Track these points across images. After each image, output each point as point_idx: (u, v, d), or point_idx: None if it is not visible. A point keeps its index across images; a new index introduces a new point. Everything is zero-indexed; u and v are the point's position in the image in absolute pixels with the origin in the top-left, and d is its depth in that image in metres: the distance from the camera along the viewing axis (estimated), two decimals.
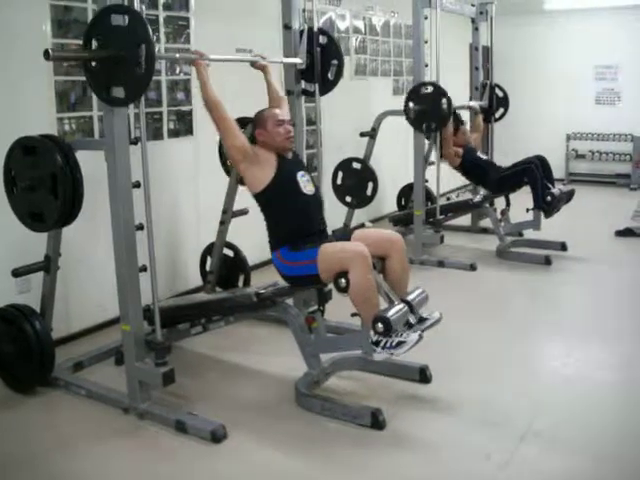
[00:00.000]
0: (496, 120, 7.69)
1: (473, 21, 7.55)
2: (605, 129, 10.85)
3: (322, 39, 4.63)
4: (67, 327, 4.57)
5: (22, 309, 3.84)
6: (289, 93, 4.63)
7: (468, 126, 7.51)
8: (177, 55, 4.11)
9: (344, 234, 3.91)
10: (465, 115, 7.51)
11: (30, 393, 3.88)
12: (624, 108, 10.77)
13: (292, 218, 3.77)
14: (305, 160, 4.76)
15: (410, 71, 8.01)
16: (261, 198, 3.80)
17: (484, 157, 7.12)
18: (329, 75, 4.68)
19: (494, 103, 7.57)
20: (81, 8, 4.52)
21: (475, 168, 6.91)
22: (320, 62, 4.58)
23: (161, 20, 5.13)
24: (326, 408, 3.55)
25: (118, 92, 3.19)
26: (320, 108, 4.74)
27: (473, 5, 7.42)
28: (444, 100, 6.08)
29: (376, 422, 3.39)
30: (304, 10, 5.43)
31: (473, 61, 7.78)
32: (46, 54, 3.04)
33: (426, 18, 6.30)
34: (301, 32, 4.57)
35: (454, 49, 8.82)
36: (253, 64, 4.24)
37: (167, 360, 3.47)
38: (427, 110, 6.18)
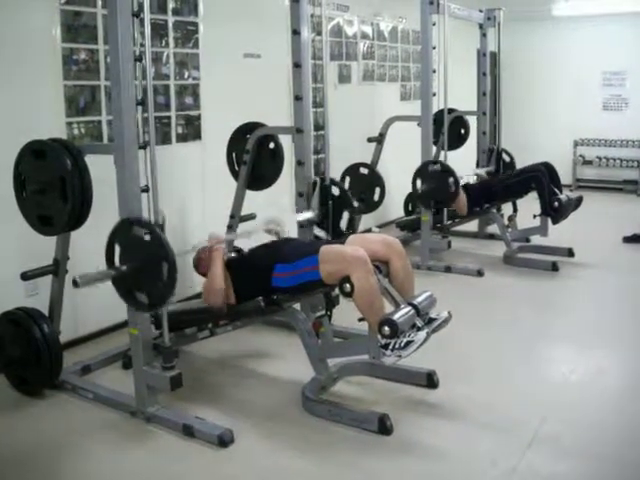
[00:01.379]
0: None
1: (481, 27, 7.55)
2: (612, 135, 10.84)
3: (334, 190, 4.66)
4: (75, 330, 4.59)
5: (30, 312, 3.85)
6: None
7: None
8: (192, 248, 4.15)
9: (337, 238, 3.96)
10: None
11: (38, 396, 3.89)
12: (631, 114, 10.76)
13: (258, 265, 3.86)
14: (312, 165, 4.76)
15: (418, 77, 8.02)
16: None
17: (473, 182, 7.12)
18: (341, 225, 4.69)
19: (501, 168, 7.56)
20: (91, 13, 4.54)
21: (480, 197, 6.91)
22: (332, 214, 4.61)
23: (170, 25, 5.14)
24: (333, 413, 3.55)
25: (142, 297, 3.32)
26: (328, 113, 4.74)
27: (481, 11, 7.43)
28: (451, 179, 6.11)
29: (383, 427, 3.38)
30: (312, 16, 5.45)
31: (481, 67, 7.78)
32: (75, 284, 3.26)
33: (434, 24, 6.31)
34: (314, 184, 4.61)
35: (462, 55, 8.83)
36: (270, 232, 4.25)
37: (175, 364, 3.47)
38: (435, 189, 6.22)
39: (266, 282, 3.73)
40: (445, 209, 6.43)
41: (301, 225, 4.62)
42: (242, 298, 3.85)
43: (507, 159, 7.64)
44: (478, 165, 7.75)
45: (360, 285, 3.39)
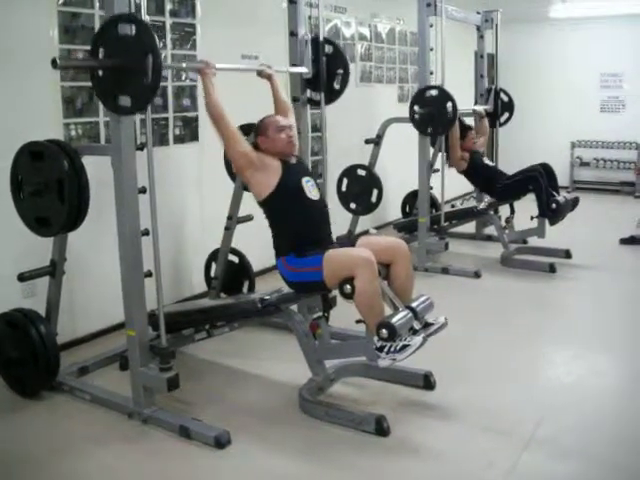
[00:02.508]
0: (501, 125, 7.68)
1: (478, 29, 7.58)
2: (610, 137, 10.87)
3: (328, 48, 4.65)
4: (72, 332, 4.58)
5: (27, 313, 3.85)
6: (295, 101, 4.64)
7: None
8: (184, 65, 4.11)
9: (348, 240, 3.92)
10: (470, 119, 7.51)
11: (35, 397, 3.89)
12: (629, 116, 10.79)
13: (297, 224, 3.77)
14: (310, 167, 4.77)
15: (415, 78, 8.02)
16: (266, 204, 3.80)
17: (491, 164, 7.14)
18: (335, 84, 4.70)
19: (499, 107, 7.56)
20: (88, 14, 4.54)
21: (481, 174, 6.94)
22: (326, 71, 4.59)
23: (168, 27, 5.15)
24: (330, 414, 3.55)
25: (125, 101, 3.20)
26: (325, 116, 4.75)
27: (478, 13, 7.45)
28: (449, 104, 6.10)
29: (380, 428, 3.39)
30: (310, 17, 5.46)
31: (478, 69, 7.80)
32: (54, 63, 3.06)
33: (431, 26, 6.32)
34: (307, 41, 4.59)
35: (459, 57, 8.84)
36: (259, 73, 4.24)
37: (172, 365, 3.47)
38: (432, 113, 6.20)
39: (277, 250, 3.79)
40: (442, 211, 6.44)
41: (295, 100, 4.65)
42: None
43: (505, 99, 7.65)
44: (476, 103, 7.74)
45: (363, 287, 3.40)
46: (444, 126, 6.27)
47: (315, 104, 4.76)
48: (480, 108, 7.41)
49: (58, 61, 3.08)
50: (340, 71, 4.69)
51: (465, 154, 6.88)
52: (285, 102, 4.28)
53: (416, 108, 6.28)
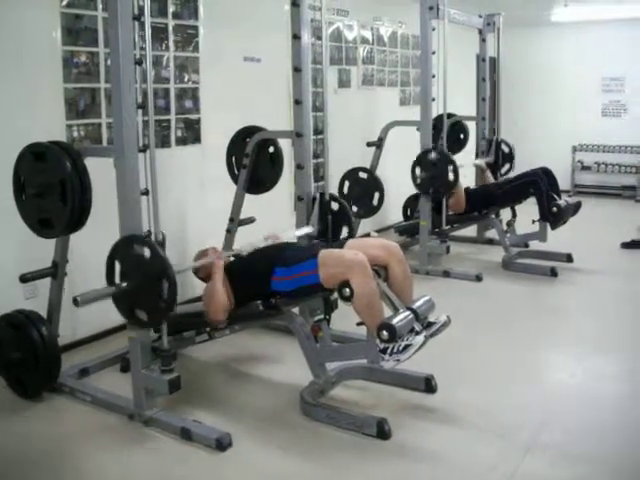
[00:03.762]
0: (502, 176, 7.65)
1: (480, 32, 7.57)
2: (611, 141, 10.87)
3: (334, 205, 4.69)
4: (73, 333, 4.58)
5: (29, 315, 3.85)
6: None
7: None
8: (196, 264, 4.11)
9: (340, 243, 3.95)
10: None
11: (36, 399, 3.89)
12: (630, 120, 10.79)
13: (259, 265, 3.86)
14: (312, 169, 4.77)
15: (417, 82, 8.03)
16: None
17: (475, 187, 7.15)
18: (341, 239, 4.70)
19: (500, 159, 7.58)
20: (91, 16, 4.54)
21: (478, 201, 6.95)
22: (332, 229, 4.64)
23: (170, 28, 5.15)
24: (331, 417, 3.54)
25: (141, 315, 3.34)
26: (327, 118, 4.75)
27: (480, 16, 7.44)
28: (451, 167, 6.14)
29: (382, 432, 3.38)
30: (312, 20, 5.46)
31: (480, 72, 7.80)
32: (75, 302, 3.25)
33: (433, 29, 6.32)
34: (314, 199, 4.64)
35: (461, 60, 8.84)
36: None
37: (173, 367, 3.47)
38: (434, 176, 6.24)
39: (265, 286, 3.73)
40: (444, 214, 6.44)
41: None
42: (241, 302, 3.85)
43: (506, 150, 7.65)
44: (477, 156, 7.75)
45: (360, 289, 3.40)
46: (446, 189, 6.30)
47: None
48: (481, 162, 7.43)
49: (79, 300, 3.24)
50: (346, 229, 4.71)
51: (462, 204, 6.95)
52: None
53: (417, 171, 6.34)
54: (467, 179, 7.21)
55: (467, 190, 6.96)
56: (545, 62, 11.08)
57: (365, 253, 3.54)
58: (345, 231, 4.69)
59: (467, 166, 7.21)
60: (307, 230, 4.58)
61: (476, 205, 6.97)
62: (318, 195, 4.66)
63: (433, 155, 6.23)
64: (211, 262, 3.90)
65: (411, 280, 3.78)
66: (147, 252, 3.25)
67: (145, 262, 3.27)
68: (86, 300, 3.27)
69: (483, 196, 6.95)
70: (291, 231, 4.57)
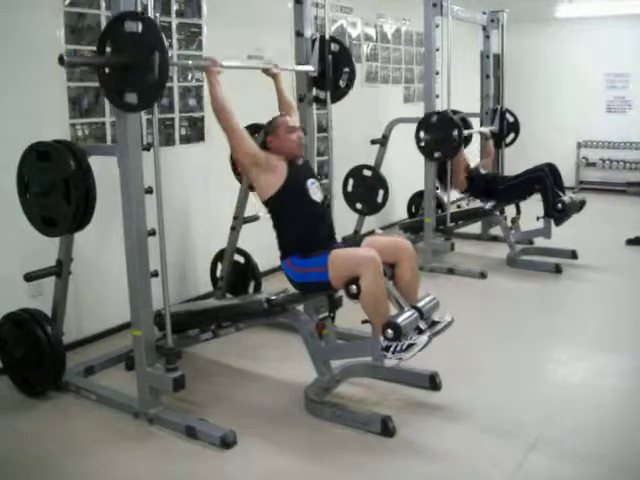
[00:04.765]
0: (507, 145, 7.67)
1: (484, 29, 7.55)
2: (616, 137, 10.85)
3: (334, 47, 4.64)
4: (78, 332, 4.59)
5: (34, 313, 3.86)
6: (301, 100, 4.64)
7: (478, 150, 7.56)
8: (190, 62, 4.11)
9: (353, 241, 3.92)
10: (476, 140, 7.54)
11: (41, 397, 3.90)
12: (635, 116, 10.78)
13: (301, 224, 3.78)
14: (316, 167, 4.77)
15: (421, 79, 8.01)
16: (271, 204, 3.81)
17: (484, 172, 7.13)
18: (341, 83, 4.69)
19: (504, 128, 7.56)
20: (94, 15, 4.55)
21: (479, 184, 6.94)
22: (332, 70, 4.58)
23: (174, 27, 5.15)
24: (336, 415, 3.55)
25: (131, 98, 3.19)
26: (332, 114, 4.75)
27: (484, 13, 7.42)
28: (455, 130, 6.12)
29: (386, 429, 3.39)
30: (316, 17, 5.46)
31: (484, 69, 7.78)
32: (60, 60, 3.07)
33: (437, 26, 6.31)
34: (313, 40, 4.59)
35: (465, 57, 8.82)
36: (265, 71, 4.24)
37: (177, 365, 3.47)
38: (438, 139, 6.22)
39: (281, 252, 3.79)
40: (448, 213, 6.44)
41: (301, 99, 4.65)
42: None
43: (511, 119, 7.62)
44: (482, 124, 7.75)
45: (369, 286, 3.39)
46: (450, 153, 6.29)
47: (321, 102, 4.75)
48: (486, 130, 7.42)
49: (65, 58, 3.08)
50: (346, 70, 4.67)
51: (464, 175, 6.95)
52: (289, 102, 4.29)
53: (422, 134, 6.31)
54: (473, 160, 7.20)
55: (474, 172, 6.95)
56: (549, 58, 11.06)
57: (377, 250, 3.53)
58: (346, 74, 4.66)
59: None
60: (306, 68, 4.53)
61: (477, 189, 6.95)
62: (318, 35, 4.62)
63: (436, 118, 6.22)
64: (206, 65, 3.84)
65: (418, 280, 3.78)
66: (139, 26, 3.10)
67: (137, 36, 3.10)
68: (72, 61, 3.17)
69: (487, 184, 6.92)
70: (291, 66, 4.57)
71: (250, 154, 3.74)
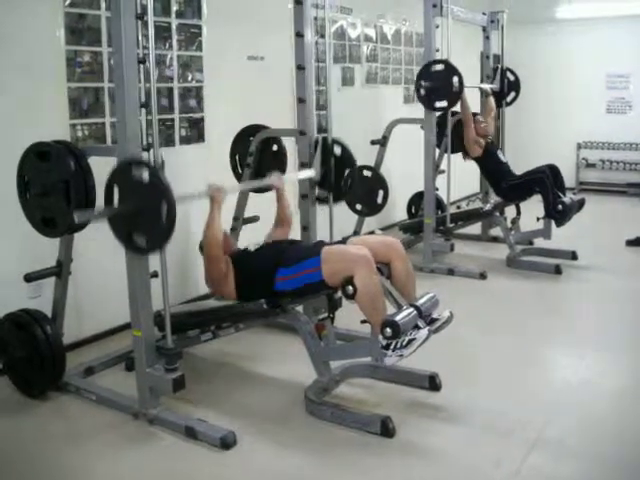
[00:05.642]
0: (507, 104, 7.62)
1: (484, 30, 7.56)
2: (616, 138, 10.85)
3: (336, 149, 4.65)
4: (78, 332, 4.59)
5: (33, 314, 3.86)
6: (304, 197, 4.66)
7: (478, 109, 7.52)
8: (196, 194, 4.11)
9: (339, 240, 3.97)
10: (476, 97, 7.50)
11: (41, 398, 3.90)
12: (635, 117, 10.77)
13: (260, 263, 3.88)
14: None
15: None
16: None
17: (504, 160, 7.04)
18: (342, 185, 4.68)
19: (505, 86, 7.51)
20: (94, 15, 4.55)
21: (493, 166, 6.88)
22: (334, 172, 4.60)
23: (173, 27, 5.15)
24: (336, 415, 3.55)
25: (140, 241, 3.24)
26: (331, 116, 4.74)
27: (484, 14, 7.43)
28: (455, 78, 6.08)
29: (386, 430, 3.38)
30: (316, 18, 5.46)
31: (484, 70, 7.78)
32: (72, 220, 3.23)
33: (437, 27, 6.31)
34: (316, 142, 4.60)
35: (465, 57, 8.82)
36: (270, 188, 4.21)
37: (177, 366, 3.47)
38: (438, 87, 6.17)
39: (269, 286, 3.74)
40: (448, 213, 6.44)
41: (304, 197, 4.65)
42: (244, 298, 3.85)
43: (512, 78, 7.60)
44: (482, 81, 7.72)
45: (363, 285, 3.40)
46: (450, 101, 6.21)
47: (323, 202, 4.73)
48: (486, 86, 7.37)
49: (76, 218, 3.22)
50: (348, 172, 4.67)
51: (480, 139, 6.81)
52: (288, 217, 4.33)
53: (422, 82, 6.25)
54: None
55: (489, 145, 6.87)
56: (549, 59, 11.05)
57: (369, 249, 3.54)
58: (347, 175, 4.66)
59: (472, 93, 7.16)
60: (309, 173, 4.53)
61: (488, 166, 6.90)
62: (320, 138, 4.63)
63: (438, 67, 6.18)
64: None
65: (413, 277, 3.79)
66: (146, 175, 3.15)
67: (144, 185, 3.16)
68: (83, 217, 3.23)
69: (497, 168, 6.84)
70: (293, 174, 4.56)
71: (222, 273, 3.87)
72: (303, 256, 3.67)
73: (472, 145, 6.84)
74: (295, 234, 4.49)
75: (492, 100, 7.31)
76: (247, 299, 3.85)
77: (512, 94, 7.65)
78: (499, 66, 7.54)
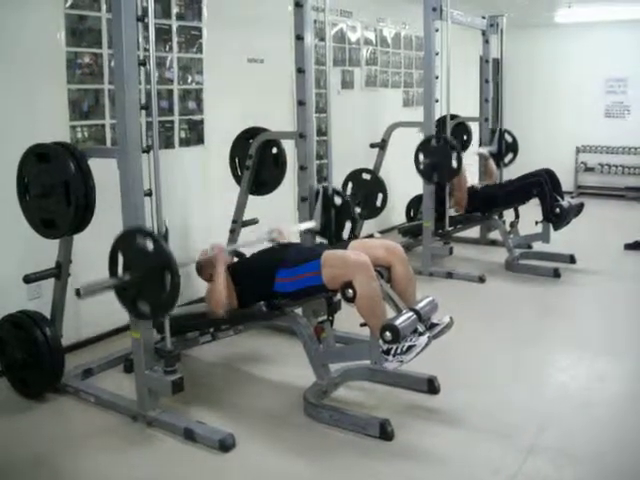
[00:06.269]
0: (505, 165, 7.70)
1: (483, 34, 7.57)
2: (614, 142, 10.86)
3: (337, 200, 4.69)
4: (77, 334, 4.59)
5: (32, 315, 3.86)
6: (301, 104, 4.64)
7: (475, 168, 7.61)
8: (199, 258, 4.11)
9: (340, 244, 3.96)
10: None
11: (39, 399, 3.89)
12: (633, 121, 10.79)
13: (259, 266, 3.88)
14: (315, 171, 4.77)
15: (420, 83, 8.03)
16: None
17: (479, 186, 7.13)
18: (343, 235, 4.71)
19: (503, 148, 7.59)
20: (95, 17, 4.55)
21: (481, 199, 6.93)
22: (334, 223, 4.64)
23: (174, 30, 5.16)
24: (334, 418, 3.54)
25: (144, 307, 3.31)
26: (330, 119, 4.75)
27: (484, 18, 7.44)
28: (454, 154, 6.12)
29: (384, 433, 3.38)
30: (316, 21, 5.47)
31: (483, 74, 7.79)
32: (77, 294, 3.22)
33: (437, 30, 6.32)
34: (317, 193, 4.64)
35: (464, 61, 8.84)
36: (272, 241, 4.24)
37: (176, 368, 3.47)
38: (437, 163, 6.22)
39: (268, 287, 3.74)
40: (446, 217, 6.44)
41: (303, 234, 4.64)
42: (244, 302, 3.85)
43: (509, 139, 7.66)
44: (480, 139, 7.75)
45: (362, 290, 3.40)
46: (448, 176, 6.28)
47: None
48: (484, 150, 7.43)
49: (82, 291, 3.22)
50: (348, 224, 4.71)
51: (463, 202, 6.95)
52: None
53: (421, 157, 6.31)
54: (472, 180, 7.21)
55: (471, 190, 6.95)
56: (548, 63, 11.07)
57: (368, 254, 3.55)
58: (348, 227, 4.69)
59: (470, 158, 7.19)
60: (310, 225, 4.57)
61: (479, 205, 6.95)
62: (321, 189, 4.66)
63: (435, 142, 6.22)
64: (213, 257, 3.88)
65: (414, 281, 3.79)
66: (150, 244, 3.23)
67: (148, 254, 3.24)
68: (89, 291, 3.27)
69: (486, 197, 6.94)
70: (295, 225, 4.58)
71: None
72: (304, 258, 3.67)
73: (461, 204, 6.94)
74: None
75: (492, 163, 7.41)
76: (247, 304, 3.85)
77: (510, 155, 7.72)
78: (498, 128, 7.60)
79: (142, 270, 3.28)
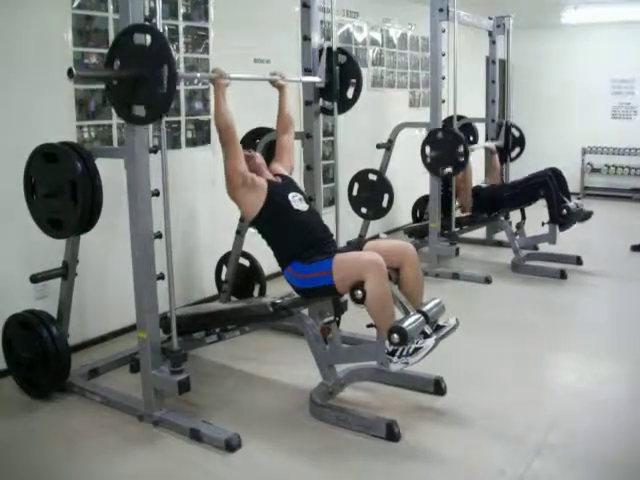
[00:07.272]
0: (512, 160, 7.70)
1: (490, 34, 7.56)
2: (621, 143, 10.83)
3: (341, 58, 4.64)
4: (83, 333, 4.60)
5: (39, 315, 3.87)
6: (307, 104, 4.65)
7: (483, 165, 7.59)
8: (198, 75, 4.10)
9: (357, 245, 3.92)
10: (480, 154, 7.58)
11: (45, 398, 3.90)
12: None
13: (293, 235, 3.78)
14: (321, 171, 4.77)
15: (427, 83, 8.03)
16: (258, 223, 3.85)
17: (484, 186, 7.14)
18: (348, 94, 4.69)
19: (510, 143, 7.59)
20: (102, 17, 4.56)
21: (487, 200, 6.92)
22: (339, 81, 4.58)
23: (181, 30, 5.17)
24: (341, 419, 3.54)
25: (139, 111, 3.21)
26: (338, 123, 4.74)
27: (490, 18, 7.43)
28: (461, 147, 6.11)
29: (391, 434, 3.38)
30: (322, 22, 5.46)
31: (490, 74, 7.78)
32: (70, 73, 3.07)
33: (443, 31, 6.31)
34: (320, 51, 4.59)
35: (471, 62, 8.83)
36: (272, 82, 4.23)
37: (183, 368, 3.47)
38: (444, 156, 6.22)
39: (282, 262, 3.80)
40: (453, 217, 6.44)
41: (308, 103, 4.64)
42: (258, 226, 3.88)
43: (517, 134, 7.67)
44: (487, 139, 7.75)
45: (374, 290, 3.39)
46: (455, 169, 6.28)
47: (328, 113, 4.75)
48: (491, 144, 7.42)
49: (74, 71, 3.08)
50: (353, 81, 4.67)
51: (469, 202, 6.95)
52: (289, 117, 4.28)
53: (427, 150, 6.30)
54: (478, 176, 7.21)
55: (476, 189, 6.94)
56: (555, 64, 11.04)
57: (381, 254, 3.53)
58: (353, 85, 4.65)
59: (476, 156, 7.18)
60: (314, 79, 4.53)
61: (485, 206, 6.94)
62: (325, 47, 4.60)
63: (442, 134, 6.22)
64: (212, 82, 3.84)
65: (422, 283, 3.78)
66: (149, 39, 3.10)
67: (145, 50, 3.12)
68: (83, 75, 3.18)
69: (492, 197, 6.92)
70: (297, 77, 4.58)
71: (242, 172, 3.74)
72: (318, 257, 3.65)
73: (467, 205, 6.96)
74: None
75: (497, 158, 7.39)
76: (262, 231, 3.88)
77: (517, 150, 7.73)
78: (504, 122, 7.60)
79: (139, 68, 3.13)
